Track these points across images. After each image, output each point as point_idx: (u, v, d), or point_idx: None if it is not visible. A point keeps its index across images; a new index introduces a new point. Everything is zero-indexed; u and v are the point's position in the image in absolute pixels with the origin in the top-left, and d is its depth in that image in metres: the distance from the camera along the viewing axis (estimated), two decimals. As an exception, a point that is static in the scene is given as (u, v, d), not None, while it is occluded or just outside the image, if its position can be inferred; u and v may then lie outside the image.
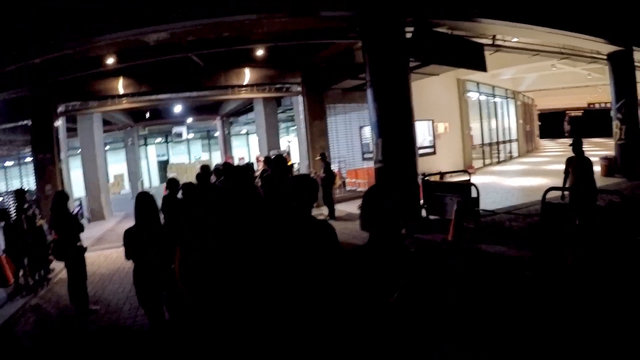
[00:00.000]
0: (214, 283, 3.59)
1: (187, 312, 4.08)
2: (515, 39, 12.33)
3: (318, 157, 11.55)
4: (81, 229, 6.26)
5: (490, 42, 11.49)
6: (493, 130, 21.42)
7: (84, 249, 6.12)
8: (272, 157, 6.37)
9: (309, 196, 2.51)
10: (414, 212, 8.41)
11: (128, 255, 4.08)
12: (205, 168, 6.88)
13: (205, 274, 3.81)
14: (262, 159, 11.89)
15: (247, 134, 30.46)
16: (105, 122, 17.99)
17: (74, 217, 6.20)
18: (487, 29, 10.64)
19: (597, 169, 13.02)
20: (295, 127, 15.64)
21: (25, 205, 7.51)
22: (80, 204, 14.24)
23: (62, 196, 6.20)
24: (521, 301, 4.70)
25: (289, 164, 6.24)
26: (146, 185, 24.98)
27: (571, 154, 7.01)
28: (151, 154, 30.65)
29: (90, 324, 5.50)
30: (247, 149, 30.28)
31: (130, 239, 4.04)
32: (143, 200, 4.13)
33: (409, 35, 8.63)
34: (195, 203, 4.61)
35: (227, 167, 4.73)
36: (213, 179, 7.35)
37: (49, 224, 6.47)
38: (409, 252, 2.14)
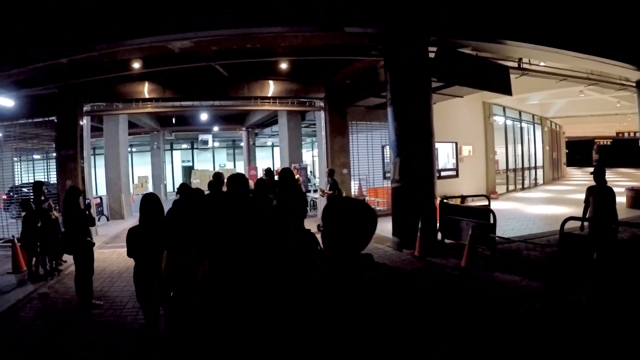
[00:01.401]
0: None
1: (181, 311, 4.11)
2: (542, 63, 12.07)
3: (326, 171, 11.43)
4: (92, 223, 6.41)
5: (516, 65, 11.28)
6: (518, 155, 20.92)
7: (92, 244, 6.24)
8: (280, 170, 6.27)
9: (305, 210, 2.72)
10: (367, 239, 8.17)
11: (129, 253, 4.21)
12: (217, 175, 6.85)
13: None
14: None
15: (273, 146, 30.66)
16: (132, 125, 18.42)
17: (85, 211, 6.32)
18: (513, 51, 10.42)
19: (622, 200, 12.57)
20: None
21: (42, 198, 7.80)
22: (101, 200, 14.61)
23: (74, 191, 6.37)
24: (527, 337, 4.50)
25: (297, 177, 6.20)
26: (169, 189, 25.36)
27: (593, 183, 6.78)
28: (176, 159, 31.20)
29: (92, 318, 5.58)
30: (272, 160, 30.44)
31: (132, 238, 4.17)
32: (148, 201, 4.28)
33: (432, 55, 8.53)
34: (198, 210, 4.62)
35: (236, 177, 4.64)
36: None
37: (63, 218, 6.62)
38: (364, 285, 1.99)
